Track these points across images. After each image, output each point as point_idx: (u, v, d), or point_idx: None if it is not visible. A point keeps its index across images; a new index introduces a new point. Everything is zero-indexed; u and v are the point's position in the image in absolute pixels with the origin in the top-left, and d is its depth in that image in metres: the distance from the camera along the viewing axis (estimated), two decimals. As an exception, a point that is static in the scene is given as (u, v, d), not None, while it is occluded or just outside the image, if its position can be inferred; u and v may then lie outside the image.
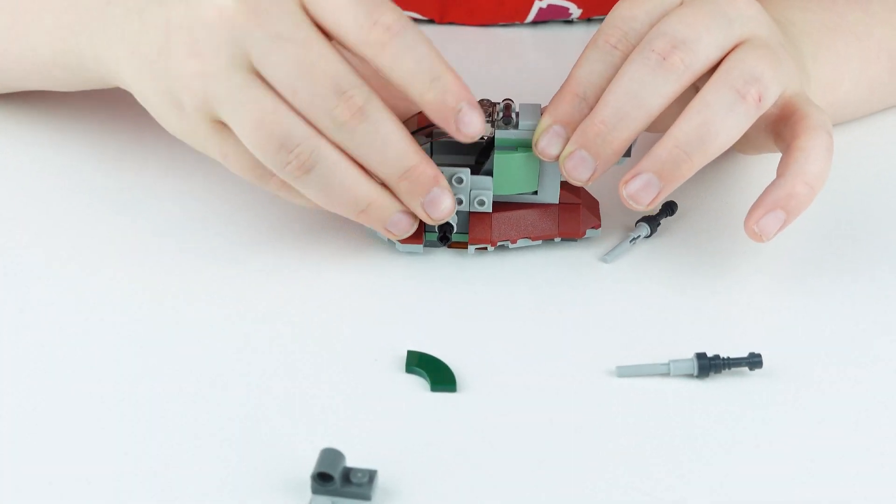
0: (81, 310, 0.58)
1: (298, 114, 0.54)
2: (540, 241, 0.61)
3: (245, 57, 0.54)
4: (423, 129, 0.60)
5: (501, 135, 0.59)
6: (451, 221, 0.60)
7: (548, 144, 0.58)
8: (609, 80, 0.57)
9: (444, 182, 0.56)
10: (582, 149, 0.57)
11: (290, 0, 0.54)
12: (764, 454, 0.50)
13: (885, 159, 0.70)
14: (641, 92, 0.56)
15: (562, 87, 0.59)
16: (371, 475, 0.48)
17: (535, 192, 0.61)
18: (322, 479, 0.48)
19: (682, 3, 0.58)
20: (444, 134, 0.60)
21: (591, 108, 0.57)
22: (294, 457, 0.50)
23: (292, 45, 0.53)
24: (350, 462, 0.49)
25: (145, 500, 0.48)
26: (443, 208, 0.56)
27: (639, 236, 0.62)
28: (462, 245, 0.61)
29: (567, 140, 0.58)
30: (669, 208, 0.64)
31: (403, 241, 0.60)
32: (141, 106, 0.59)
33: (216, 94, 0.54)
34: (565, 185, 0.61)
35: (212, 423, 0.52)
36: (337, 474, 0.47)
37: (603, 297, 0.59)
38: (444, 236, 0.60)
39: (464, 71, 0.81)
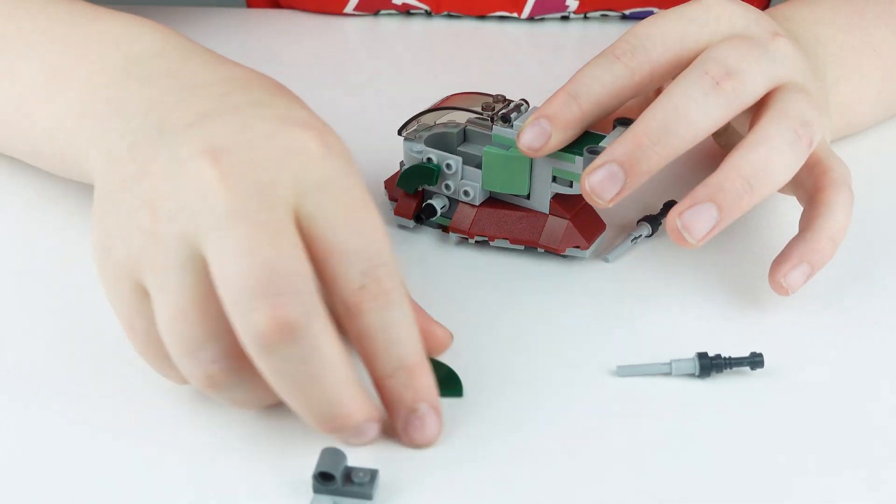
0: (81, 307, 0.57)
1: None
2: (522, 247, 0.61)
3: (193, 239, 0.46)
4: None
5: (497, 132, 0.59)
6: (435, 205, 0.61)
7: (530, 136, 0.57)
8: (609, 88, 0.57)
9: (373, 427, 0.49)
10: (613, 163, 0.54)
11: (281, 201, 0.47)
12: (765, 454, 0.50)
13: (887, 161, 0.70)
14: (691, 110, 0.54)
15: (561, 87, 0.58)
16: (372, 474, 0.48)
17: (528, 197, 0.61)
18: (324, 479, 0.47)
19: (722, 38, 0.57)
20: (478, 123, 0.61)
21: (583, 112, 0.57)
22: (295, 456, 0.50)
23: (247, 260, 0.45)
24: (351, 461, 0.49)
25: (146, 499, 0.48)
26: (368, 440, 0.49)
27: (640, 236, 0.62)
28: (445, 229, 0.62)
29: (551, 136, 0.56)
30: (671, 208, 0.64)
31: (396, 213, 0.63)
32: None
33: (150, 256, 0.46)
34: (563, 200, 0.60)
35: (212, 422, 0.51)
36: (338, 474, 0.47)
37: (604, 297, 0.59)
38: (418, 216, 0.62)
39: (460, 67, 0.82)
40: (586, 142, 0.58)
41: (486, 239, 0.61)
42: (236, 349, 0.46)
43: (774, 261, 0.57)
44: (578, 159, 0.58)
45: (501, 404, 0.53)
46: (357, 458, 0.49)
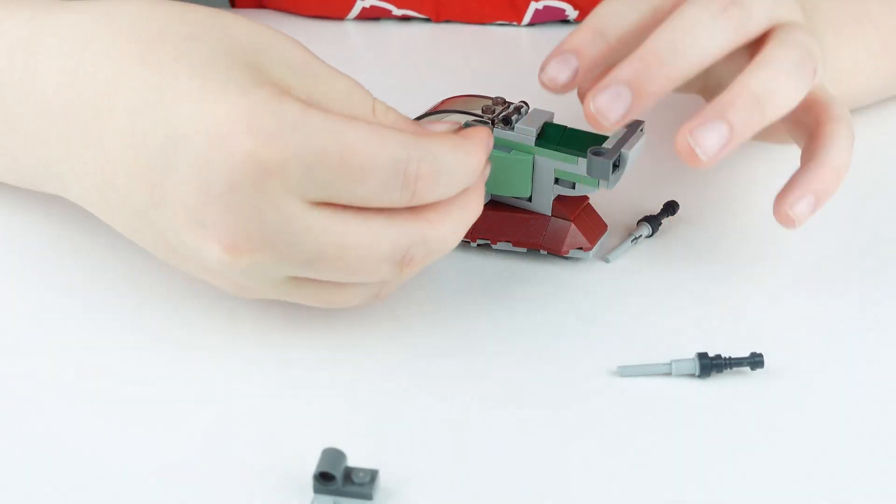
0: (84, 310, 0.57)
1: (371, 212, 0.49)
2: (525, 250, 0.61)
3: (290, 192, 0.47)
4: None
5: (498, 134, 0.59)
6: None
7: (555, 69, 0.55)
8: (634, 26, 0.55)
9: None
10: (621, 83, 0.52)
11: (293, 210, 0.47)
12: (765, 454, 0.50)
13: (887, 157, 0.70)
14: (699, 32, 0.52)
15: (582, 23, 0.56)
16: (373, 475, 0.48)
17: (531, 199, 0.61)
18: (324, 479, 0.47)
19: None
20: (477, 125, 0.61)
21: (611, 49, 0.55)
22: (296, 456, 0.50)
23: (324, 263, 0.48)
24: (352, 462, 0.49)
25: (147, 500, 0.48)
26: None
27: (640, 236, 0.62)
28: None
29: (577, 71, 0.55)
30: (671, 208, 0.64)
31: None
32: None
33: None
34: (565, 201, 0.60)
35: (213, 422, 0.52)
36: (339, 474, 0.47)
37: (605, 297, 0.59)
38: None
39: (458, 70, 0.82)
40: (589, 143, 0.58)
41: (489, 242, 0.61)
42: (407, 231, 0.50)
43: (778, 194, 0.56)
44: (581, 160, 0.57)
45: (501, 404, 0.53)
46: (357, 458, 0.49)
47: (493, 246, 0.61)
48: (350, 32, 0.87)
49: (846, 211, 0.66)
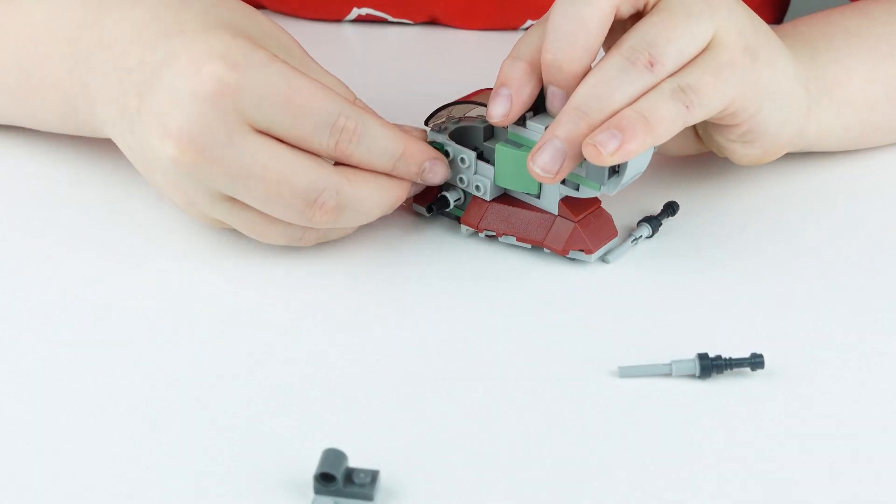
0: (83, 308, 0.57)
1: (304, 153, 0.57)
2: (529, 246, 0.61)
3: (215, 190, 0.56)
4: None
5: (513, 130, 0.60)
6: (448, 197, 0.62)
7: (495, 108, 0.59)
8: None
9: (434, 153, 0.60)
10: (555, 139, 0.56)
11: (237, 129, 0.56)
12: (765, 455, 0.50)
13: (886, 157, 0.70)
14: (612, 85, 0.56)
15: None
16: (373, 475, 0.48)
17: (539, 196, 0.61)
18: (324, 480, 0.47)
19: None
20: (466, 119, 0.62)
21: (533, 68, 0.59)
22: (296, 457, 0.50)
23: (253, 180, 0.56)
24: (352, 462, 0.49)
25: (147, 500, 0.48)
26: (439, 174, 0.60)
27: (640, 236, 0.62)
28: (456, 218, 0.63)
29: (511, 98, 0.59)
30: (671, 209, 0.64)
31: (415, 201, 0.63)
32: None
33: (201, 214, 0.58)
34: (573, 203, 0.60)
35: (214, 423, 0.52)
36: (339, 475, 0.47)
37: (605, 298, 0.59)
38: (430, 206, 0.63)
39: (458, 71, 0.81)
40: None
41: (494, 234, 0.62)
42: (328, 175, 0.57)
43: None
44: (585, 163, 0.58)
45: (502, 404, 0.53)
46: (358, 459, 0.49)
47: (499, 239, 0.61)
48: (348, 35, 0.87)
49: (848, 212, 0.66)
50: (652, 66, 0.56)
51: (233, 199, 0.57)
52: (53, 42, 0.63)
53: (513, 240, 0.61)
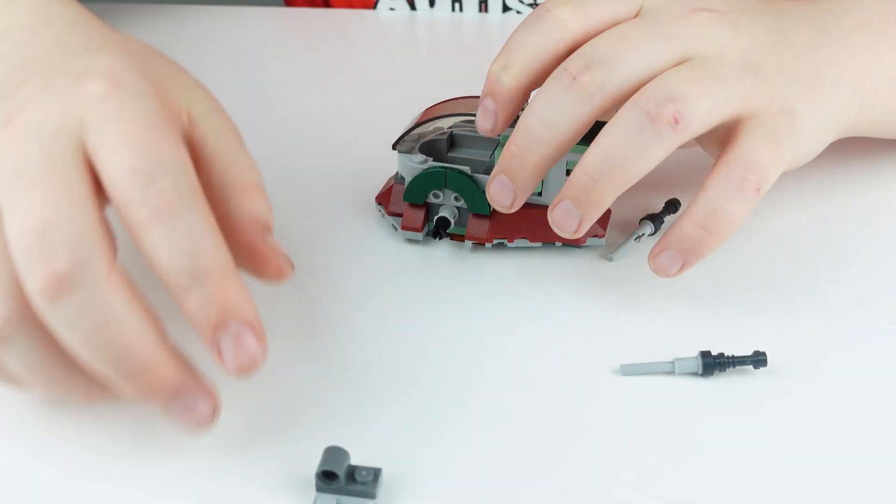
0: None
1: None
2: (540, 244, 0.61)
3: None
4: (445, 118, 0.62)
5: (506, 133, 0.59)
6: (448, 216, 0.61)
7: (481, 121, 0.57)
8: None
9: (202, 400, 0.46)
10: (502, 173, 0.56)
11: (63, 155, 0.46)
12: (769, 453, 0.50)
13: (887, 157, 0.70)
14: (549, 113, 0.54)
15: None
16: (376, 473, 0.48)
17: (541, 194, 0.61)
18: (326, 478, 0.47)
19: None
20: (463, 126, 0.61)
21: (521, 78, 0.57)
22: (298, 456, 0.50)
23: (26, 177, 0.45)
24: (354, 460, 0.49)
25: (149, 499, 0.48)
26: (202, 418, 0.46)
27: (643, 234, 0.62)
28: (459, 238, 0.62)
29: (496, 112, 0.57)
30: (673, 206, 0.64)
31: (404, 227, 0.61)
32: None
33: None
34: None
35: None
36: (342, 472, 0.47)
37: (607, 295, 0.59)
38: (437, 231, 0.61)
39: (454, 62, 0.82)
40: (595, 131, 0.58)
41: (504, 242, 0.61)
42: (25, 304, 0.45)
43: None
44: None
45: (504, 402, 0.53)
46: (360, 456, 0.49)
47: (509, 244, 0.61)
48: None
49: (848, 210, 0.66)
50: (676, 122, 0.53)
51: None
52: None
53: (525, 242, 0.61)
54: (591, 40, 0.55)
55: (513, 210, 0.56)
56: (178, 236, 0.44)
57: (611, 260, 0.61)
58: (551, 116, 0.54)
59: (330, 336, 0.56)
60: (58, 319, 0.44)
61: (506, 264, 0.61)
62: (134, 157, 0.45)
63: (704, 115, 0.53)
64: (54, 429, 0.51)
